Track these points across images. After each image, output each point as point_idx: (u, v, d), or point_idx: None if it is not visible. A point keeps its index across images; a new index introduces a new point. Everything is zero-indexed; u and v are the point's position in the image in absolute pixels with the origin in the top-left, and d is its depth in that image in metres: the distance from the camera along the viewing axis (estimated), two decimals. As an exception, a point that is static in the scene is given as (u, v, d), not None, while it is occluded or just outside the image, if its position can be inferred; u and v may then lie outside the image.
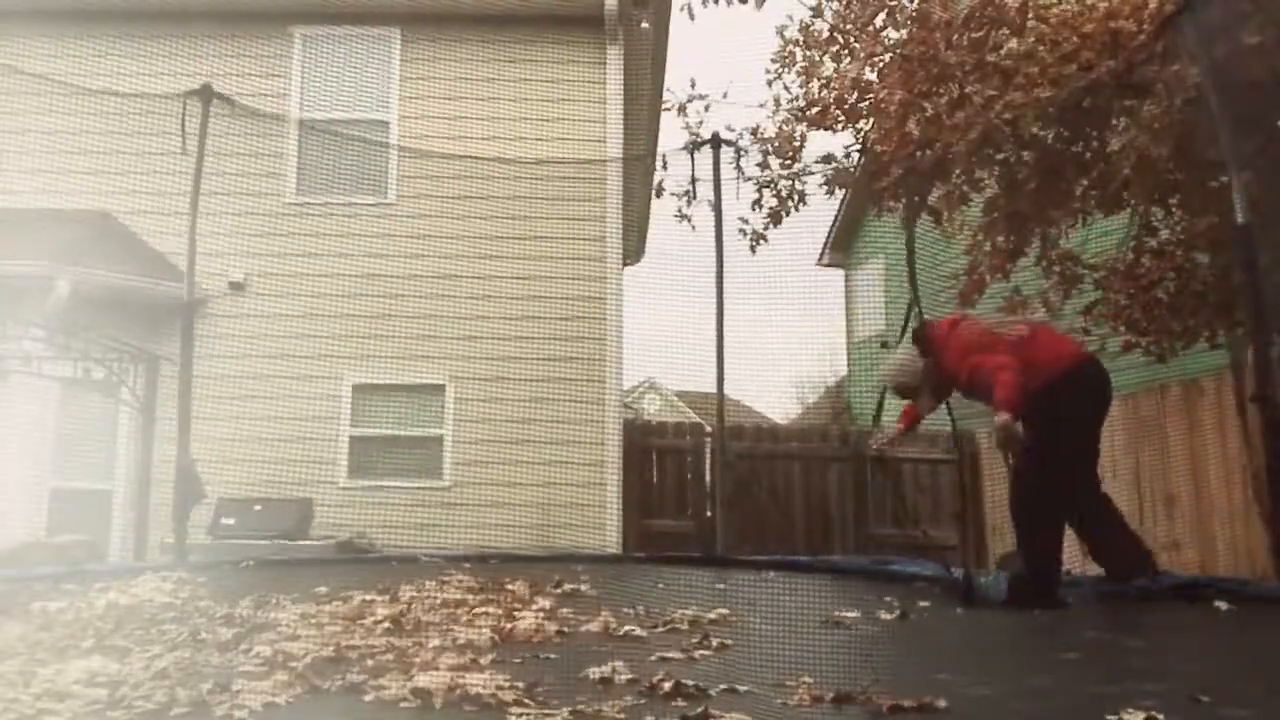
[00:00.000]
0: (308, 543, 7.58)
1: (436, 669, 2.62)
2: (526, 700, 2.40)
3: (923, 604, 4.40)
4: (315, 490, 7.97)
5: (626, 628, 3.37)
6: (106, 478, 8.36)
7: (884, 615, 3.93)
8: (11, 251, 7.85)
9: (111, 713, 2.34)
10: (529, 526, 8.00)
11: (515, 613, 3.54)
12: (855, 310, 15.02)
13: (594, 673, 2.64)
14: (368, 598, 3.75)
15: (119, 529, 8.17)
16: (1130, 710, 2.23)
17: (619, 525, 8.52)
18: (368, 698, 2.47)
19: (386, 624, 3.34)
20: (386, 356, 8.59)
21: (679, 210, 7.60)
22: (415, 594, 3.93)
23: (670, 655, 2.87)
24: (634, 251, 12.18)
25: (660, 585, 4.79)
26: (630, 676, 2.60)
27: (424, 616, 3.48)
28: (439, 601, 3.75)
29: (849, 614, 3.85)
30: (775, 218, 7.64)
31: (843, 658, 3.05)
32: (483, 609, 3.61)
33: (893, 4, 7.06)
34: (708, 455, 9.70)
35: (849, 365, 15.37)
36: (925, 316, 5.20)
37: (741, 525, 8.05)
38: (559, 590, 4.31)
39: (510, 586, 4.24)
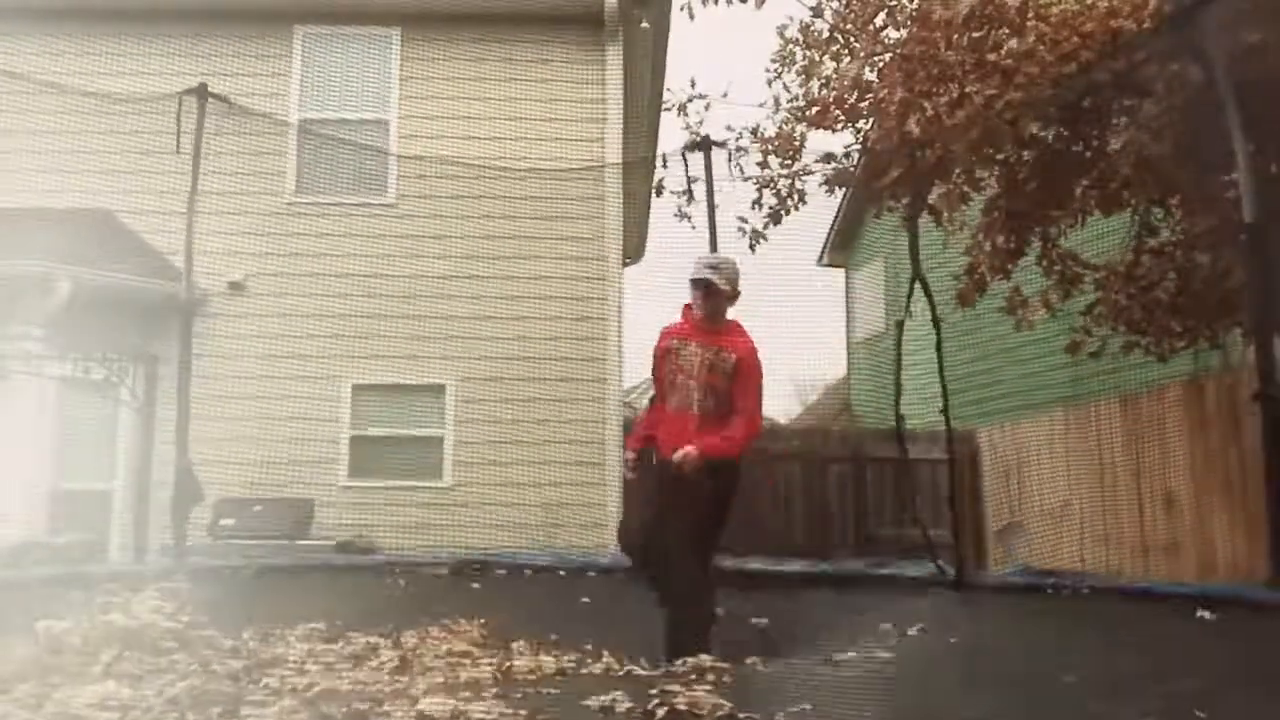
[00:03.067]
0: (308, 543, 7.58)
1: (440, 697, 2.62)
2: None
3: (919, 626, 4.43)
4: (315, 490, 7.96)
5: (628, 667, 3.36)
6: (106, 478, 8.35)
7: (881, 654, 3.90)
8: (11, 251, 7.85)
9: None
10: (529, 526, 8.00)
11: (520, 654, 3.53)
12: (855, 310, 15.02)
13: (595, 701, 2.64)
14: (370, 640, 3.74)
15: (119, 529, 8.15)
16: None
17: (616, 523, 8.50)
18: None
19: (394, 662, 3.34)
20: (386, 356, 8.59)
21: (679, 209, 7.60)
22: (419, 641, 3.90)
23: (670, 688, 2.86)
24: (634, 251, 12.18)
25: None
26: (630, 705, 2.60)
27: (429, 663, 3.46)
28: (444, 651, 3.70)
29: (845, 656, 3.83)
30: (775, 217, 7.65)
31: (840, 692, 3.02)
32: (488, 660, 3.58)
33: (893, 4, 7.07)
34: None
35: (849, 365, 15.37)
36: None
37: (741, 525, 8.04)
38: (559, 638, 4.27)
39: (513, 644, 4.20)
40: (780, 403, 20.23)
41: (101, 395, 7.72)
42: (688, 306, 4.52)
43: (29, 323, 7.37)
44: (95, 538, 7.80)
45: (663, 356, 4.49)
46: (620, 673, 3.32)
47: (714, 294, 4.39)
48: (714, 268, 4.43)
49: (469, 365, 8.61)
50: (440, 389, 8.72)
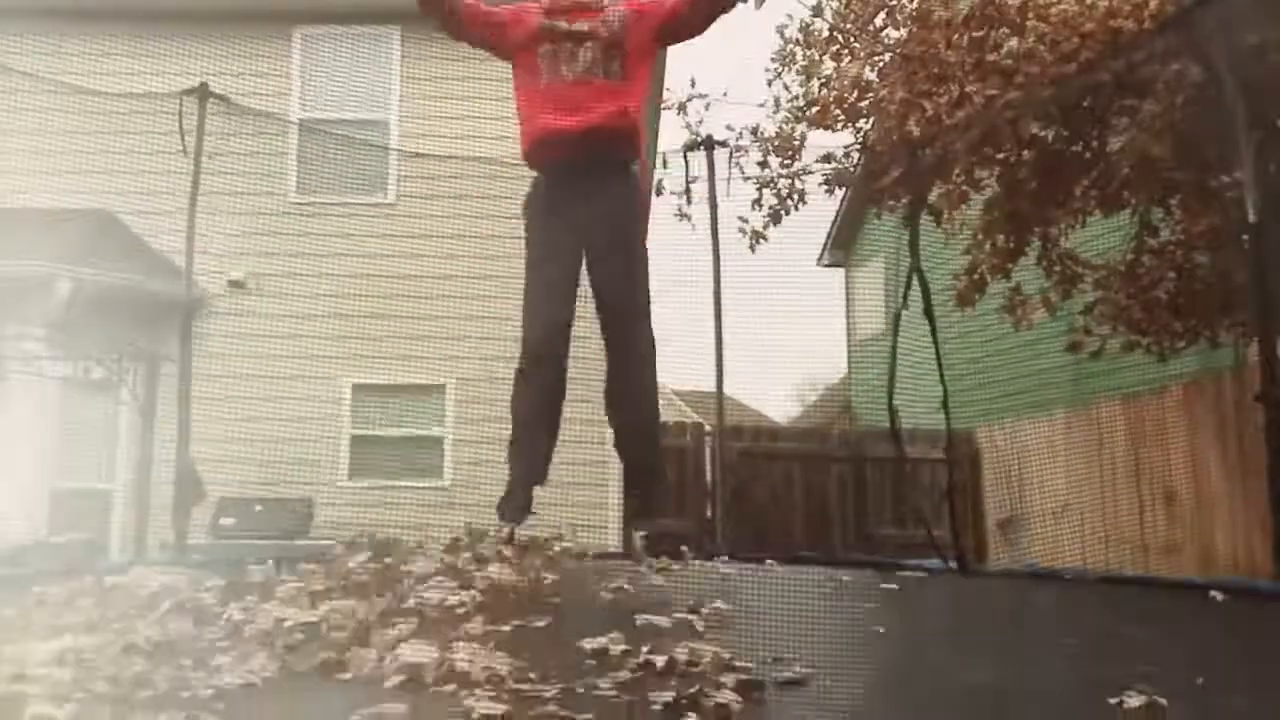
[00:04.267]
0: (308, 543, 7.58)
1: (423, 643, 2.53)
2: (520, 679, 2.33)
3: (920, 576, 4.51)
4: (315, 490, 7.97)
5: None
6: (106, 478, 8.36)
7: (885, 585, 3.96)
8: (11, 251, 7.85)
9: (81, 691, 2.26)
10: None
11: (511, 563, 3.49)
12: (855, 310, 15.03)
13: (589, 643, 2.57)
14: (360, 558, 3.66)
15: (119, 529, 8.17)
16: (1130, 693, 2.23)
17: (619, 525, 8.51)
18: (346, 675, 2.42)
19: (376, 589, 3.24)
20: (386, 356, 8.59)
21: (678, 209, 7.59)
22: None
23: (665, 625, 2.81)
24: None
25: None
26: (625, 648, 2.54)
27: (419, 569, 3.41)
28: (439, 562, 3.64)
29: (845, 576, 3.87)
30: (775, 217, 7.65)
31: (841, 637, 3.04)
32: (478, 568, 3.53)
33: (893, 4, 7.08)
34: (708, 455, 9.70)
35: (849, 365, 15.38)
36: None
37: (742, 525, 8.05)
38: (555, 549, 4.26)
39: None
40: (780, 403, 20.29)
41: (102, 395, 7.73)
42: None
43: (29, 323, 7.38)
44: (95, 538, 7.81)
45: (518, 23, 3.54)
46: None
47: None
48: None
49: (469, 365, 8.60)
50: (440, 389, 8.72)
